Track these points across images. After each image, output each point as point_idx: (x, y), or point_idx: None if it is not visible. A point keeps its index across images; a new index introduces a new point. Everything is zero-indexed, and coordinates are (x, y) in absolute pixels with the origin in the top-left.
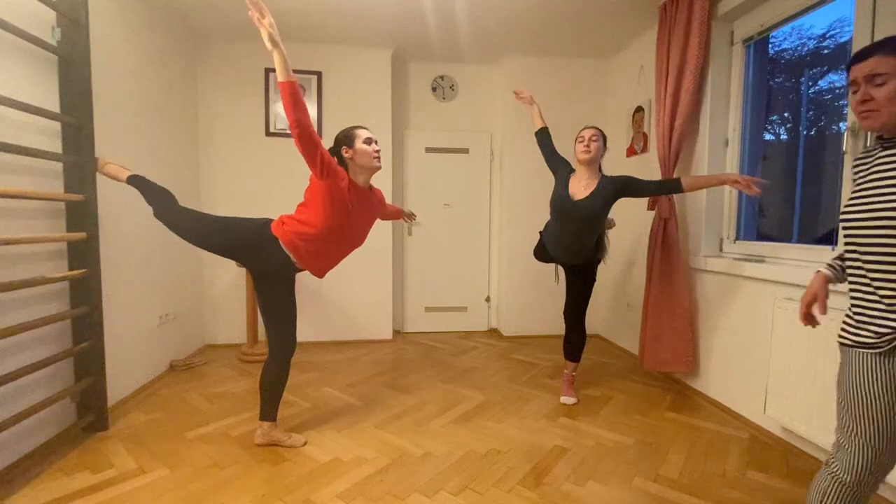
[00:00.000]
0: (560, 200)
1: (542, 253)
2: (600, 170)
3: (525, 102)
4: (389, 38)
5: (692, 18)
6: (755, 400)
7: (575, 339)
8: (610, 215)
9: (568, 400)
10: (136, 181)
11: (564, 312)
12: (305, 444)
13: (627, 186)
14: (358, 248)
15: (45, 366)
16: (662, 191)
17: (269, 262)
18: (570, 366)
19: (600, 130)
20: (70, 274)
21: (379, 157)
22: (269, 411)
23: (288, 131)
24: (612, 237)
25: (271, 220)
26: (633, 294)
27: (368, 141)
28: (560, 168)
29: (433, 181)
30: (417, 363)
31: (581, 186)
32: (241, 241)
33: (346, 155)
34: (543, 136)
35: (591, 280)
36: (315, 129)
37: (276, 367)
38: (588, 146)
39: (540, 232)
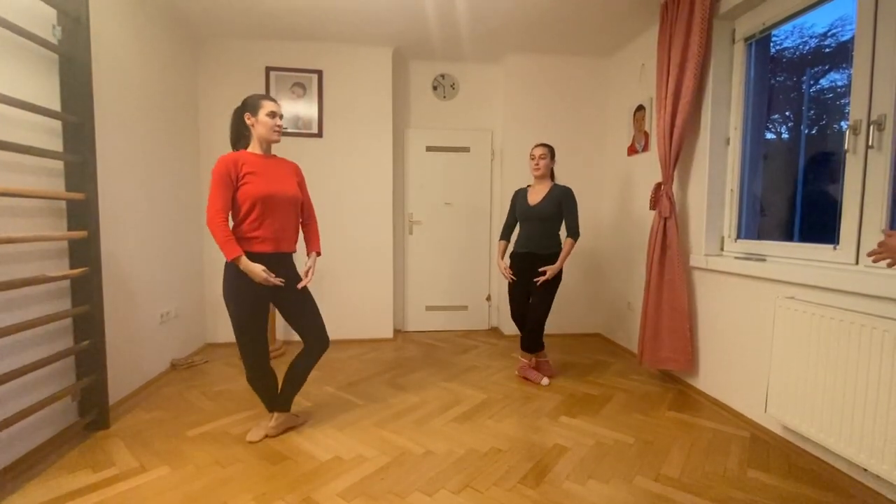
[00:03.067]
0: (523, 210)
1: (517, 251)
2: (553, 178)
3: (509, 272)
4: (390, 37)
5: (693, 16)
6: (756, 399)
7: (530, 339)
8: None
9: (546, 381)
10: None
11: (526, 314)
12: (305, 422)
13: (565, 201)
14: (297, 206)
15: (46, 364)
16: (567, 226)
17: (259, 277)
18: (527, 356)
19: (548, 147)
20: (71, 272)
21: (279, 132)
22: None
23: (289, 129)
24: (612, 234)
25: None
26: (633, 293)
27: (272, 115)
28: (515, 200)
29: (434, 180)
30: (418, 362)
31: (537, 194)
32: (240, 289)
33: (247, 121)
34: (507, 233)
35: (556, 279)
36: (219, 229)
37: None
38: (538, 164)
39: (515, 243)
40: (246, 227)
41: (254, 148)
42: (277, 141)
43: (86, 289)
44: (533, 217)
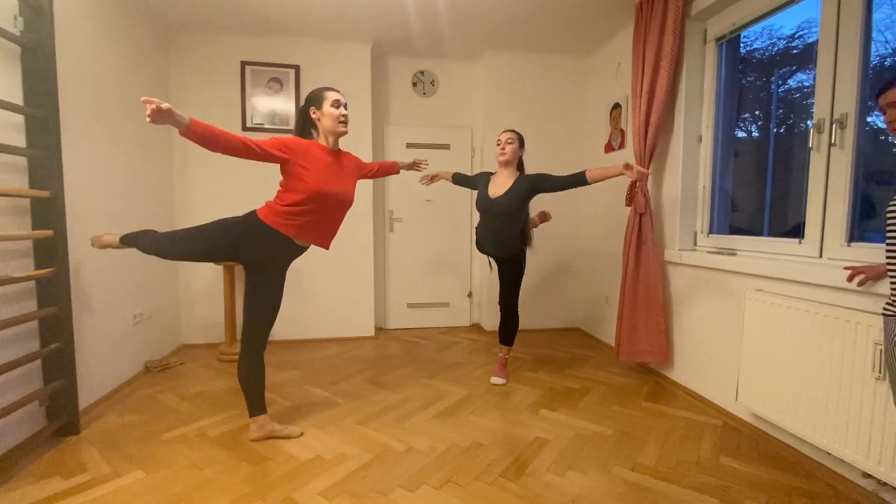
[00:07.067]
0: (482, 201)
1: (480, 246)
2: (521, 168)
3: (430, 181)
4: (369, 32)
5: (667, 17)
6: (727, 388)
7: (509, 324)
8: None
9: (498, 380)
10: (126, 240)
11: (499, 302)
12: (302, 434)
13: (539, 182)
14: (349, 208)
15: (11, 368)
16: (572, 184)
17: (270, 248)
18: (503, 349)
19: (516, 133)
20: (36, 273)
21: (345, 122)
22: (257, 405)
23: (265, 125)
24: (590, 231)
25: (256, 210)
26: (611, 288)
27: (336, 104)
28: (479, 178)
29: (414, 177)
30: (400, 359)
31: (499, 186)
32: (235, 236)
33: (313, 116)
34: (458, 178)
35: (520, 271)
36: (240, 135)
37: (254, 361)
38: (504, 149)
39: (476, 228)
40: (293, 210)
41: (322, 141)
42: (345, 133)
43: (52, 290)
44: (494, 212)
